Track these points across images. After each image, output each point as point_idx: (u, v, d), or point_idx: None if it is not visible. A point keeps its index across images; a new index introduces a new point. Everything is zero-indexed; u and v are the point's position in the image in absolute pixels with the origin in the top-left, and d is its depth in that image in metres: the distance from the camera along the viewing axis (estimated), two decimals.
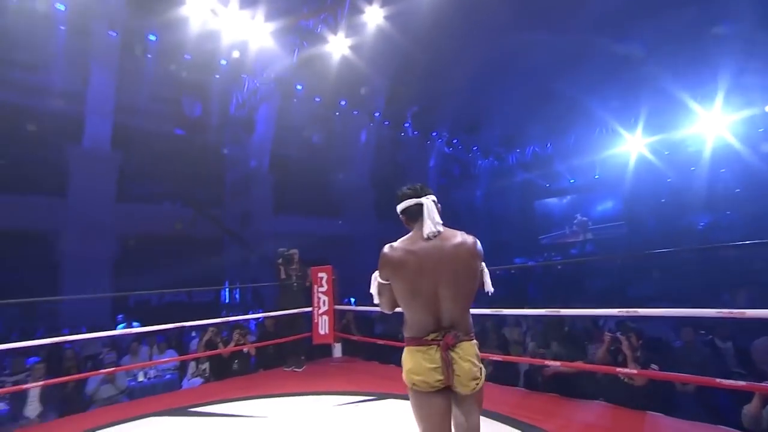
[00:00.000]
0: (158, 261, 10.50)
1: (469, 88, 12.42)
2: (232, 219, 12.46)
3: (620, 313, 2.83)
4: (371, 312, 5.15)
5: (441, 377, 1.50)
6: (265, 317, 5.10)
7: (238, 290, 11.82)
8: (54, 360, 4.86)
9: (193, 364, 5.23)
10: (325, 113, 13.53)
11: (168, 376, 5.25)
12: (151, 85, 10.76)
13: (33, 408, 4.21)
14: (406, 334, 1.57)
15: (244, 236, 12.00)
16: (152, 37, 10.05)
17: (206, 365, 5.08)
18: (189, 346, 6.03)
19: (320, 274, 4.90)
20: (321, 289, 4.89)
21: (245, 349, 4.86)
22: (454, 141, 16.18)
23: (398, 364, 1.69)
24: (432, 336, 1.51)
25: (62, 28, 9.17)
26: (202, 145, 11.91)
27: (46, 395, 4.26)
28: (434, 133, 15.86)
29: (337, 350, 5.00)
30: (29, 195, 9.46)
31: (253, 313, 6.83)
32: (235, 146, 12.68)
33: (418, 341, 1.52)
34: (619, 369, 2.89)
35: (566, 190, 14.46)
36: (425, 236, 1.54)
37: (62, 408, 4.37)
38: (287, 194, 12.81)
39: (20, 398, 4.23)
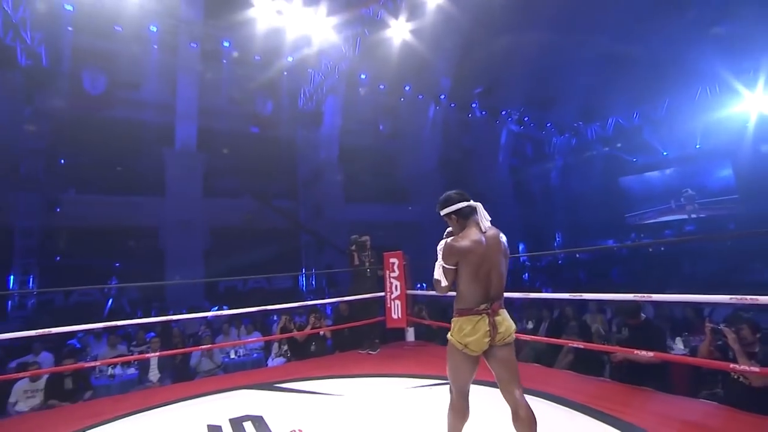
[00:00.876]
0: (241, 250, 11.40)
1: (538, 62, 11.61)
2: (306, 210, 12.94)
3: (730, 300, 2.53)
4: (443, 297, 5.24)
5: (488, 339, 1.98)
6: (339, 302, 5.26)
7: (314, 276, 12.34)
8: (165, 336, 5.62)
9: (276, 345, 5.63)
10: (390, 100, 13.52)
11: (255, 355, 5.72)
12: (228, 88, 11.65)
13: (154, 374, 4.93)
14: (459, 306, 2.02)
15: (315, 226, 12.51)
16: (226, 44, 10.83)
17: (286, 347, 5.40)
18: (272, 329, 6.49)
19: (392, 260, 4.91)
20: (393, 275, 4.89)
21: (321, 332, 5.08)
22: (525, 119, 15.22)
23: None
24: (483, 306, 1.99)
25: (155, 47, 10.38)
26: (275, 140, 12.57)
27: (162, 364, 4.96)
28: (503, 112, 15.05)
29: (410, 335, 5.00)
30: (138, 196, 10.93)
31: (329, 298, 7.18)
32: (305, 139, 13.17)
33: (470, 311, 1.99)
34: (732, 365, 2.60)
35: (658, 164, 12.91)
36: (483, 230, 2.04)
37: (174, 376, 5.05)
38: (357, 183, 12.99)
39: (144, 366, 4.99)
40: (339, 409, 3.13)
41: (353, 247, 4.87)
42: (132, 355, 5.44)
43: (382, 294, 4.89)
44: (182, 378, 5.02)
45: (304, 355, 4.94)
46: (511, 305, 5.01)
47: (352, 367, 4.12)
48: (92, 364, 4.64)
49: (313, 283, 12.42)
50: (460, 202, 2.11)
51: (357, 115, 13.08)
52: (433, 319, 4.96)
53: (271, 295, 10.45)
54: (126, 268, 10.44)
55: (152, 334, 6.06)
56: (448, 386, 2.17)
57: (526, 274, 12.56)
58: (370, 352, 4.61)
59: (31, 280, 9.31)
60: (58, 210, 9.96)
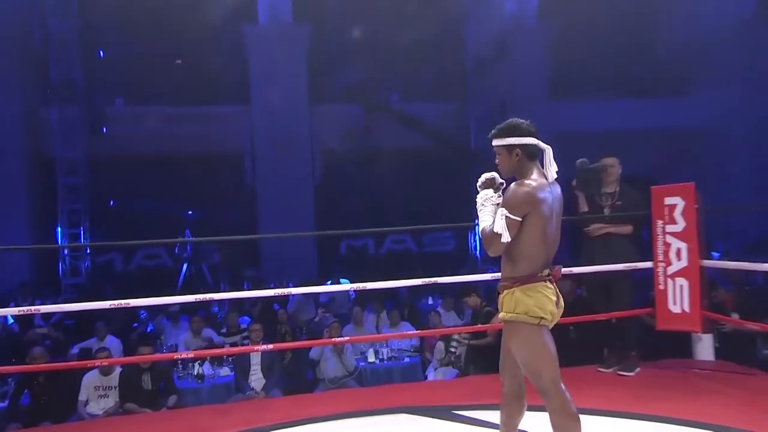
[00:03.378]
0: (371, 185, 11.79)
1: None
2: (479, 116, 12.64)
3: None
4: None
5: (557, 311, 2.57)
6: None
7: None
8: (267, 321, 5.98)
9: (440, 345, 5.53)
10: None
11: (407, 360, 5.93)
12: None
13: (257, 379, 5.37)
14: (518, 273, 2.55)
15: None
16: None
17: (461, 349, 5.26)
18: (428, 319, 6.51)
19: (669, 201, 4.56)
20: (673, 229, 4.55)
21: None
22: None
23: None
24: (546, 271, 2.54)
25: None
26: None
27: (267, 364, 5.29)
28: None
29: (706, 347, 4.82)
30: (212, 105, 12.14)
31: None
32: None
33: (535, 277, 2.53)
34: None
35: None
36: (549, 180, 2.62)
37: (285, 383, 5.47)
38: (576, 59, 12.00)
39: (242, 364, 5.42)
40: None
41: (578, 182, 4.58)
42: (224, 347, 5.90)
43: (647, 265, 4.66)
44: (297, 388, 5.44)
45: (488, 367, 4.76)
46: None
47: (587, 396, 3.75)
48: (181, 355, 5.14)
49: None
50: (530, 135, 2.56)
51: None
52: (750, 318, 4.81)
53: (422, 261, 10.61)
54: (202, 217, 11.75)
55: (247, 319, 6.52)
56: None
57: None
58: (622, 372, 4.51)
59: (81, 233, 11.13)
60: (105, 130, 11.45)
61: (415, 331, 6.16)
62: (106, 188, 11.89)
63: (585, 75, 12.42)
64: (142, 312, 7.59)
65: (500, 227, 2.46)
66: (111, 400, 5.04)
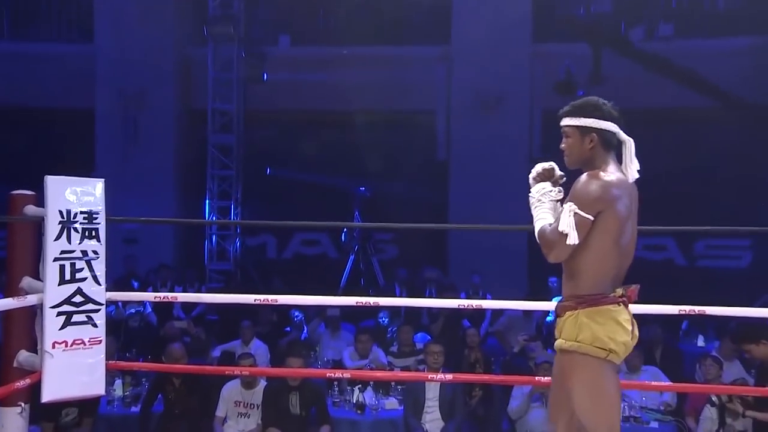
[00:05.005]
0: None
1: None
2: None
3: None
4: None
5: (631, 342, 2.77)
6: None
7: None
8: (453, 344, 6.13)
9: (710, 411, 5.35)
10: None
11: (654, 425, 5.67)
12: None
13: (433, 419, 5.52)
14: (584, 291, 2.72)
15: None
16: None
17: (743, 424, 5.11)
18: (695, 366, 6.29)
19: None
20: None
21: None
22: None
23: None
24: (620, 291, 2.73)
25: None
26: None
27: (446, 401, 5.37)
28: None
29: None
30: (397, 45, 12.49)
31: None
32: None
33: (606, 298, 2.70)
34: None
35: None
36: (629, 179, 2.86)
37: (471, 431, 5.44)
38: None
39: (415, 396, 5.59)
40: None
41: None
42: (392, 370, 6.16)
43: None
44: None
45: None
46: None
47: None
48: (337, 374, 5.41)
49: None
50: (611, 120, 2.79)
51: None
52: None
53: (691, 277, 10.04)
54: (378, 194, 12.09)
55: (425, 336, 6.73)
56: None
57: None
58: None
59: (232, 208, 12.24)
60: (266, 78, 12.37)
61: (670, 384, 5.80)
62: (262, 151, 12.71)
63: None
64: (297, 313, 8.14)
65: (567, 225, 2.60)
66: (252, 422, 5.55)
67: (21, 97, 12.21)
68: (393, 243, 12.65)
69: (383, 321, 8.20)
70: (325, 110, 12.31)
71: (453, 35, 12.40)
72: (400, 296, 9.31)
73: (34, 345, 3.77)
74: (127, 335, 7.61)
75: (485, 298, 8.12)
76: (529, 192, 2.87)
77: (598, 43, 12.13)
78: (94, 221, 3.82)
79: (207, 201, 12.23)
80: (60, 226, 3.67)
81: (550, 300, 8.64)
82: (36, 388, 3.65)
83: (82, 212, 3.76)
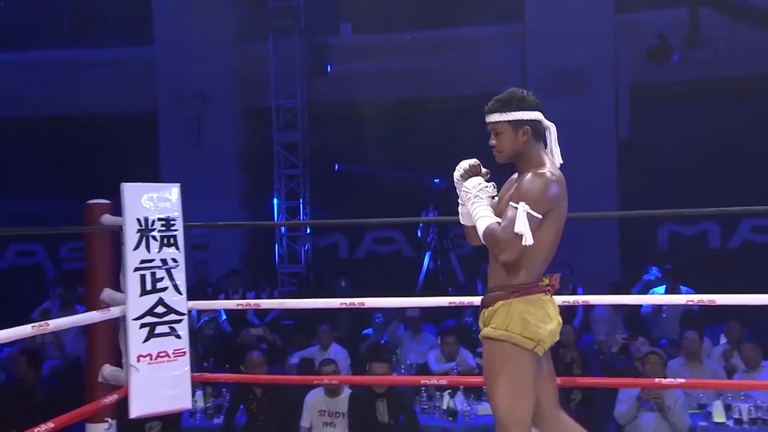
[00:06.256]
0: (721, 140, 11.30)
1: None
2: None
3: None
4: None
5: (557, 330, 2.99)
6: None
7: None
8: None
9: None
10: None
11: None
12: None
13: None
14: (520, 279, 2.89)
15: None
16: None
17: None
18: None
19: None
20: None
21: None
22: None
23: None
24: (546, 280, 2.95)
25: None
26: None
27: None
28: None
29: None
30: (469, 26, 12.38)
31: None
32: None
33: (536, 288, 2.90)
34: None
35: None
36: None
37: None
38: None
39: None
40: None
41: None
42: (480, 372, 6.08)
43: None
44: None
45: None
46: None
47: None
48: (430, 381, 5.39)
49: None
50: (537, 110, 2.98)
51: None
52: None
53: None
54: (453, 187, 12.06)
55: None
56: None
57: None
58: None
59: (300, 207, 12.34)
60: (330, 70, 12.40)
61: None
62: (329, 147, 12.72)
63: None
64: (378, 316, 8.12)
65: (524, 226, 2.70)
66: (339, 431, 5.56)
67: (83, 104, 12.60)
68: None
69: (468, 320, 8.13)
70: (393, 100, 12.26)
71: (526, 11, 12.26)
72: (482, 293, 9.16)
73: (116, 358, 3.83)
74: (203, 344, 7.72)
75: (576, 292, 7.97)
76: (462, 187, 2.99)
77: (696, 2, 11.69)
78: (171, 228, 3.87)
79: (275, 201, 12.39)
80: (138, 234, 3.72)
81: (648, 293, 8.54)
82: (122, 403, 3.71)
83: (159, 219, 3.82)
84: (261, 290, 10.23)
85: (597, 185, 11.10)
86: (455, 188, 3.06)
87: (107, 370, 3.79)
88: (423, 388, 6.00)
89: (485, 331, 2.88)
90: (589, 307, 8.16)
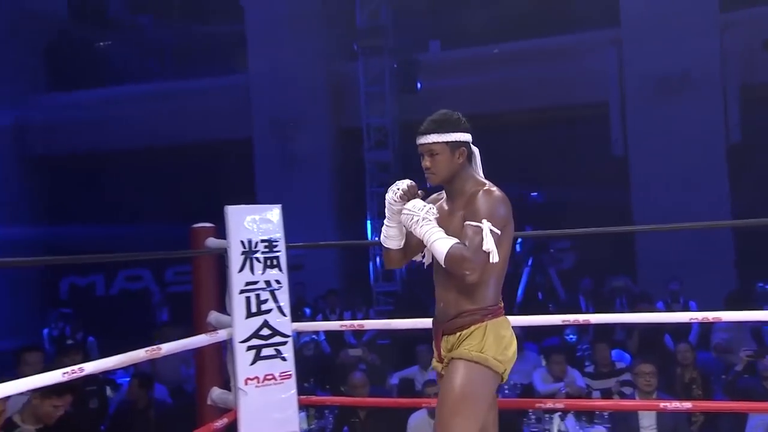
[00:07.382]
0: None
1: None
2: None
3: None
4: None
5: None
6: None
7: None
8: (660, 360, 5.78)
9: None
10: None
11: None
12: None
13: None
14: (489, 303, 2.94)
15: None
16: None
17: None
18: None
19: None
20: None
21: None
22: None
23: None
24: (500, 302, 3.07)
25: None
26: None
27: (667, 429, 5.18)
28: None
29: None
30: (563, 35, 12.31)
31: None
32: None
33: (501, 309, 3.00)
34: None
35: None
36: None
37: None
38: None
39: (626, 423, 5.38)
40: None
41: None
42: (590, 394, 5.94)
43: None
44: None
45: None
46: None
47: None
48: (545, 405, 5.23)
49: None
50: (469, 132, 3.06)
51: None
52: None
53: None
54: (550, 200, 11.85)
55: (624, 354, 6.42)
56: None
57: None
58: None
59: None
60: (420, 87, 12.41)
61: None
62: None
63: None
64: None
65: (491, 244, 2.73)
66: None
67: (184, 132, 13.10)
68: (572, 251, 12.33)
69: (571, 338, 7.94)
70: (485, 113, 12.13)
71: (622, 14, 11.98)
72: (586, 309, 9.04)
73: (223, 381, 3.85)
74: (303, 365, 7.74)
75: (688, 307, 7.72)
76: (403, 209, 2.91)
77: None
78: (274, 249, 3.89)
79: (369, 221, 12.42)
80: (243, 256, 3.75)
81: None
82: (231, 427, 3.72)
83: (262, 241, 3.84)
84: (357, 309, 10.29)
85: (704, 193, 10.81)
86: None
87: (216, 393, 3.82)
88: (531, 410, 5.85)
89: (461, 351, 2.86)
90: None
